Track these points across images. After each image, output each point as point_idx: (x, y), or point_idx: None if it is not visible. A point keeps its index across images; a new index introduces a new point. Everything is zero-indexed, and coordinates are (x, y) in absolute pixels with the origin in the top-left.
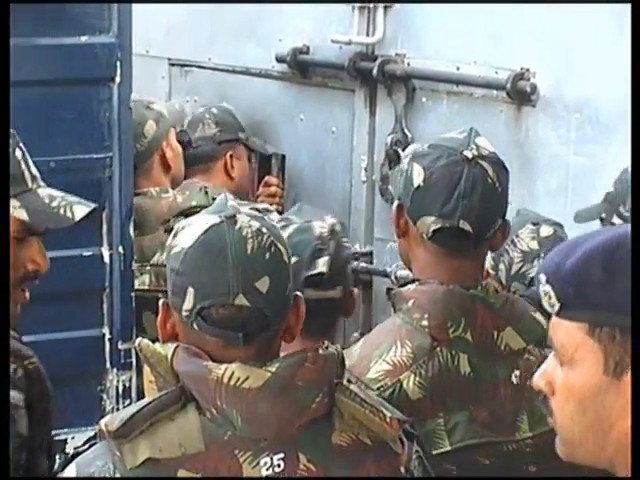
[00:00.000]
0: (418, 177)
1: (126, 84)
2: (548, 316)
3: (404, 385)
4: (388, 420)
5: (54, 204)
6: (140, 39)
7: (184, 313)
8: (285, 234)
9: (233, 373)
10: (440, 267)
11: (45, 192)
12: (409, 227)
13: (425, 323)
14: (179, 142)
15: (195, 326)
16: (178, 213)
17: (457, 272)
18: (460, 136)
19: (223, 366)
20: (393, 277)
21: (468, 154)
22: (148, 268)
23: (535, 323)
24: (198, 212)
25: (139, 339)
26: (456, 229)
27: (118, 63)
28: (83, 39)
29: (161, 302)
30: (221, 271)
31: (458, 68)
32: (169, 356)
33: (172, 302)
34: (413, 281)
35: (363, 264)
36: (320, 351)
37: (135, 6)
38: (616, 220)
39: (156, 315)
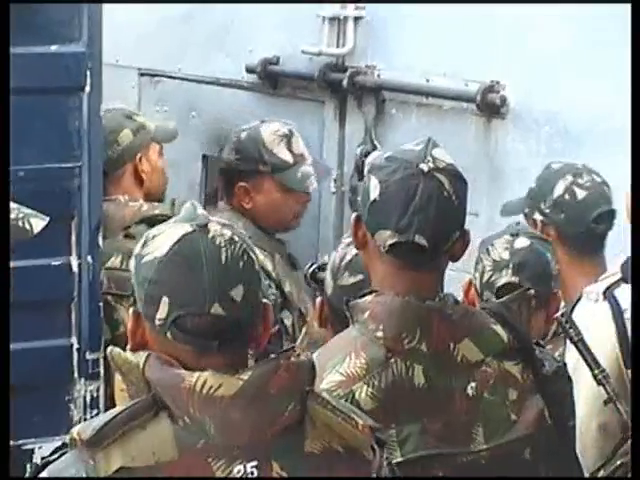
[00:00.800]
0: (374, 190)
1: (96, 93)
2: (509, 329)
3: (356, 396)
4: (360, 427)
5: (12, 216)
6: (110, 49)
7: (157, 322)
8: None
9: (206, 381)
10: (398, 279)
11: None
12: (367, 240)
13: (380, 334)
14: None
15: (169, 335)
16: (140, 220)
17: (415, 284)
18: (417, 148)
19: (196, 374)
20: (309, 278)
21: (424, 167)
22: (103, 272)
23: (495, 335)
24: (159, 220)
25: (110, 348)
26: (412, 243)
27: (88, 72)
28: (53, 48)
29: (131, 311)
30: (196, 280)
31: (428, 80)
32: (141, 364)
33: (144, 311)
34: (371, 292)
35: None
36: (292, 359)
37: (105, 15)
38: (537, 216)
39: (106, 318)
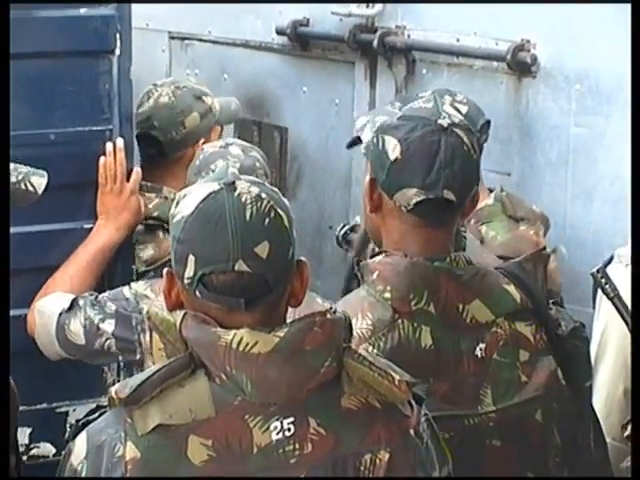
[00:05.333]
0: (394, 150)
1: (126, 56)
2: (523, 289)
3: None
4: (397, 383)
5: (13, 179)
6: (140, 12)
7: (186, 281)
8: None
9: (242, 338)
10: (415, 238)
11: None
12: (383, 201)
13: (387, 295)
14: None
15: (197, 293)
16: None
17: (431, 242)
18: (428, 105)
19: (232, 332)
20: (341, 239)
21: (443, 123)
22: None
23: (507, 296)
24: (152, 224)
25: (147, 307)
26: (440, 199)
27: (118, 35)
28: (82, 11)
29: (165, 271)
30: (220, 238)
31: (458, 40)
32: (178, 323)
33: (175, 270)
34: (380, 253)
35: None
36: (328, 316)
37: None
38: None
39: None
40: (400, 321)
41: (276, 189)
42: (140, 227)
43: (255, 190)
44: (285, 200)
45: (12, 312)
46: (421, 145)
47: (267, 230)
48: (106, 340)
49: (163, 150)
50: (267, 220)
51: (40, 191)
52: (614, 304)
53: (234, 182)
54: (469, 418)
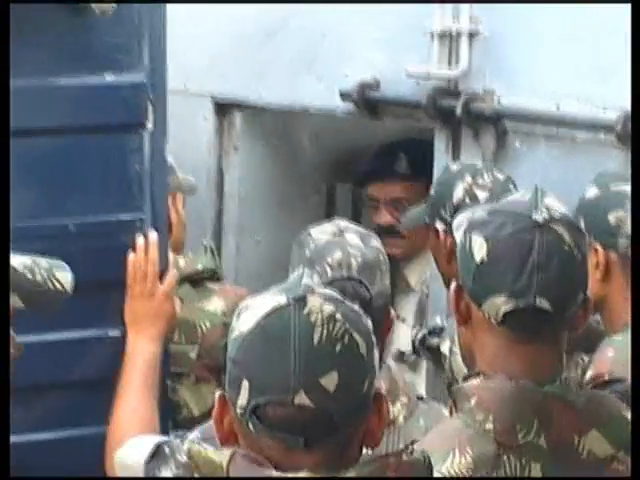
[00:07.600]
0: (480, 250)
1: (160, 131)
2: None
3: None
4: None
5: (38, 278)
6: (177, 72)
7: (239, 410)
8: None
9: None
10: (513, 357)
11: (17, 262)
12: (472, 311)
13: (489, 426)
14: None
15: (250, 426)
16: (182, 279)
17: (533, 363)
18: (525, 198)
19: (289, 476)
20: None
21: (538, 218)
22: None
23: (627, 425)
24: (205, 277)
25: (188, 444)
26: (532, 309)
27: (150, 106)
28: (108, 78)
29: (217, 394)
30: (281, 363)
31: (558, 107)
32: (225, 464)
33: (228, 395)
34: (477, 374)
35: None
36: (404, 457)
37: (170, 35)
38: (439, 225)
39: None
40: (505, 457)
41: (357, 308)
42: (185, 288)
43: (329, 309)
44: (367, 321)
45: (36, 436)
46: (511, 244)
47: (337, 358)
48: None
49: None
50: (339, 346)
51: (69, 288)
52: None
53: (305, 297)
54: None
